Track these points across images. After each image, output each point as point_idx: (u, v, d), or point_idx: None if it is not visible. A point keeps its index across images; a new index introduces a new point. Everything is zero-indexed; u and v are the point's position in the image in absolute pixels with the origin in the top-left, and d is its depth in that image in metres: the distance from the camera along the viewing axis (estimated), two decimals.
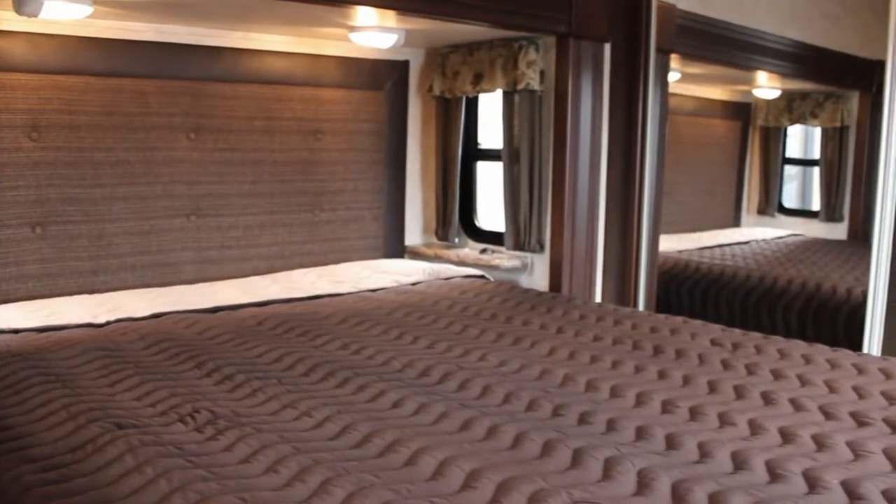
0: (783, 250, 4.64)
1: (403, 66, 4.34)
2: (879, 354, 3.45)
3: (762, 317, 4.17)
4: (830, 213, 4.40)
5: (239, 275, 3.83)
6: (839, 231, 4.35)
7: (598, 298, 4.03)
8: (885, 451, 1.87)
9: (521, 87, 3.87)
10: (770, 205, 4.78)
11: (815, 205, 4.57)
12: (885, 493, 1.65)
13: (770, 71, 4.53)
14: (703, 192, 4.97)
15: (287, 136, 3.95)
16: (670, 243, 4.58)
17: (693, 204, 4.94)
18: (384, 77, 4.26)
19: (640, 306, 4.12)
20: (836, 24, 4.09)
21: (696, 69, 4.59)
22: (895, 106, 3.39)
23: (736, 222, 4.93)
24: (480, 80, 4.06)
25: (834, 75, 4.29)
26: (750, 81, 4.64)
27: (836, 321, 3.88)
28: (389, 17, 3.48)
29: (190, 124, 3.63)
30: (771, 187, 4.76)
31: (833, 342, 3.37)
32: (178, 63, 3.57)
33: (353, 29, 3.64)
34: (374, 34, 3.66)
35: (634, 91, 4.03)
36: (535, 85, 3.87)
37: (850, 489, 1.67)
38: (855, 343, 3.55)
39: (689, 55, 4.37)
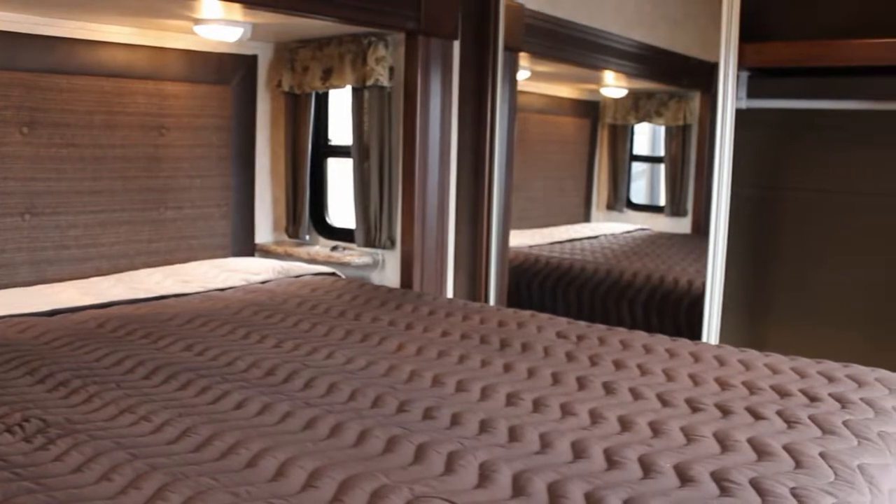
0: (630, 244, 4.78)
1: (251, 60, 4.26)
2: (717, 343, 3.61)
3: (610, 309, 4.29)
4: (675, 208, 4.56)
5: (79, 276, 3.67)
6: (684, 225, 4.50)
7: (449, 294, 4.06)
8: (716, 435, 1.96)
9: (370, 83, 3.87)
10: (618, 200, 4.90)
11: (662, 200, 4.73)
12: (713, 475, 1.72)
13: (616, 71, 4.65)
14: (553, 189, 5.07)
15: (130, 131, 3.80)
16: (522, 238, 4.66)
17: (544, 200, 5.03)
18: (231, 71, 4.16)
19: (492, 301, 4.18)
20: (678, 28, 4.23)
21: (545, 68, 4.68)
22: (727, 106, 3.55)
23: (586, 217, 5.04)
24: (330, 76, 4.03)
25: (676, 76, 4.44)
26: (598, 80, 4.75)
27: (679, 312, 4.04)
28: (235, 10, 3.40)
29: (23, 118, 3.44)
30: (619, 183, 4.88)
31: (676, 332, 3.52)
32: (6, 52, 3.38)
33: (197, 21, 3.54)
34: (220, 27, 3.57)
35: (483, 88, 4.09)
36: (385, 81, 3.87)
37: (681, 472, 1.74)
38: (696, 332, 3.70)
39: (537, 54, 4.46)
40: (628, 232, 4.88)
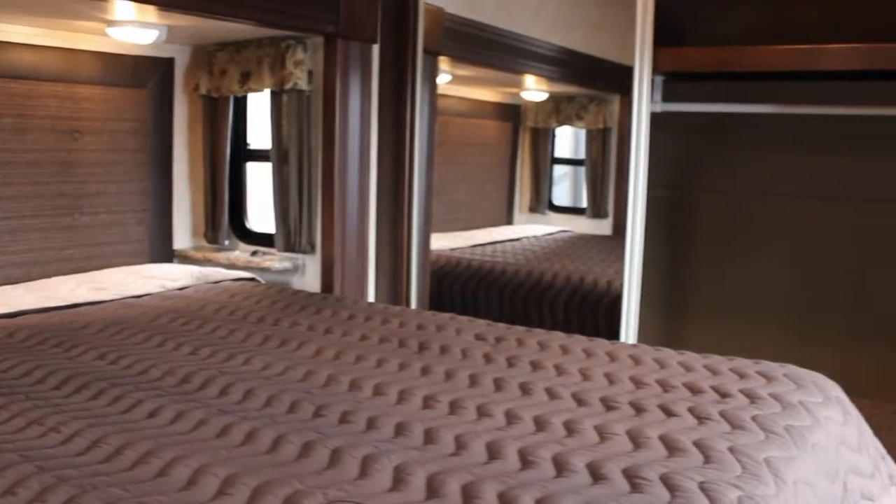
0: (552, 246, 4.83)
1: (168, 63, 4.19)
2: (635, 342, 3.67)
3: (531, 310, 4.33)
4: (596, 209, 4.63)
5: None
6: (605, 227, 4.57)
7: (371, 298, 4.05)
8: (629, 432, 2.00)
9: (289, 86, 3.84)
10: (541, 203, 4.96)
11: (584, 202, 4.79)
12: (625, 472, 1.75)
13: (537, 74, 4.70)
14: (475, 191, 5.10)
15: (41, 135, 3.70)
16: (444, 241, 4.67)
17: (466, 203, 5.05)
18: (147, 74, 4.09)
19: (413, 304, 4.19)
20: (596, 32, 4.29)
21: (465, 71, 4.70)
22: (642, 109, 3.62)
23: (508, 220, 5.08)
24: (248, 80, 3.99)
25: (595, 80, 4.50)
26: (518, 84, 4.80)
27: (598, 312, 4.10)
28: (149, 13, 3.34)
29: None
30: (541, 186, 4.94)
31: (595, 332, 3.56)
32: None
33: (110, 23, 3.47)
34: (134, 29, 3.51)
35: (403, 92, 4.09)
36: (304, 85, 3.84)
37: (594, 470, 1.77)
38: (615, 332, 3.76)
39: (457, 58, 4.47)
40: (550, 234, 4.93)
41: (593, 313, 4.11)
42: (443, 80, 4.41)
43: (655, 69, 3.62)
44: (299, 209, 3.94)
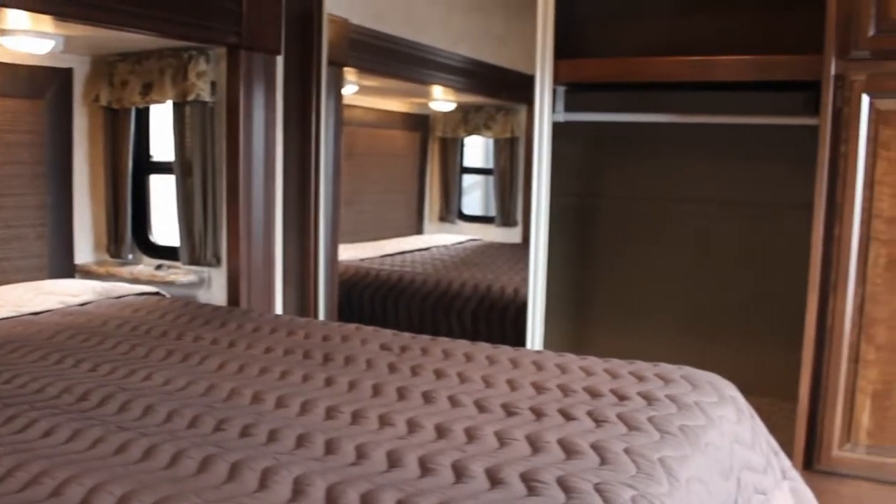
0: (461, 255, 4.86)
1: (66, 74, 4.09)
2: (541, 348, 3.73)
3: (439, 319, 4.35)
4: (505, 218, 4.67)
5: None
6: (514, 235, 4.61)
7: (278, 310, 4.03)
8: (528, 437, 2.03)
9: (191, 98, 3.80)
10: (450, 212, 4.98)
11: (494, 211, 4.83)
12: (522, 475, 1.78)
13: (444, 85, 4.73)
14: (385, 202, 5.10)
15: None
16: (354, 252, 4.67)
17: (376, 213, 5.05)
18: (44, 85, 3.99)
19: (321, 316, 4.17)
20: (502, 43, 4.33)
21: (373, 82, 4.71)
22: (544, 119, 3.69)
23: (419, 230, 5.09)
24: (150, 91, 3.93)
25: (502, 90, 4.54)
26: (426, 95, 4.82)
27: (506, 320, 4.14)
28: (45, 22, 3.27)
29: None
30: (451, 195, 4.96)
31: (503, 340, 3.61)
32: None
33: (3, 32, 3.39)
34: (28, 39, 3.43)
35: (308, 103, 4.08)
36: (207, 96, 3.81)
37: (492, 475, 1.79)
38: (522, 339, 3.80)
39: (364, 69, 4.48)
40: (460, 243, 4.96)
41: (501, 321, 4.15)
42: (349, 90, 4.41)
43: (557, 80, 3.69)
44: (204, 222, 3.89)
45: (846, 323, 3.05)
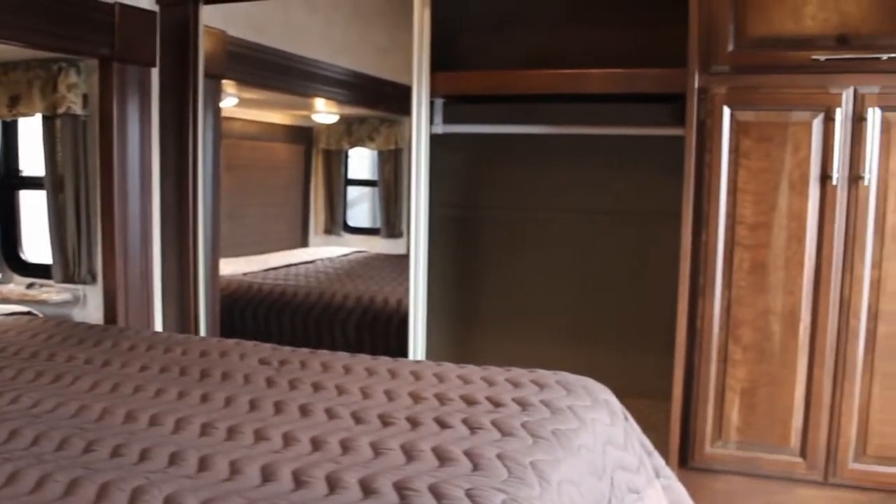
0: (346, 267, 4.86)
1: None
2: (423, 358, 3.76)
3: (323, 332, 4.34)
4: (390, 229, 4.69)
5: None
6: (399, 246, 4.62)
7: (158, 327, 3.95)
8: (403, 447, 2.05)
9: (62, 111, 3.69)
10: (335, 224, 4.97)
11: (380, 223, 4.84)
12: (395, 484, 1.80)
13: (326, 97, 4.72)
14: (268, 215, 5.06)
15: None
16: (237, 266, 4.61)
17: (259, 226, 5.00)
18: None
19: (202, 332, 4.11)
20: (385, 55, 4.35)
21: (253, 94, 4.67)
22: (422, 131, 3.72)
23: (304, 243, 5.06)
24: (17, 104, 3.81)
25: (384, 102, 4.56)
26: (309, 107, 4.80)
27: (390, 331, 4.15)
28: None
29: None
30: (335, 208, 4.95)
31: (387, 351, 3.62)
32: None
33: None
34: None
35: (185, 116, 4.01)
36: (78, 109, 3.71)
37: (365, 485, 1.81)
38: (405, 350, 3.82)
39: (243, 81, 4.44)
40: (345, 255, 4.95)
41: (384, 332, 4.16)
42: (229, 103, 4.37)
43: (434, 92, 3.74)
44: (77, 238, 3.79)
45: (714, 325, 3.18)
